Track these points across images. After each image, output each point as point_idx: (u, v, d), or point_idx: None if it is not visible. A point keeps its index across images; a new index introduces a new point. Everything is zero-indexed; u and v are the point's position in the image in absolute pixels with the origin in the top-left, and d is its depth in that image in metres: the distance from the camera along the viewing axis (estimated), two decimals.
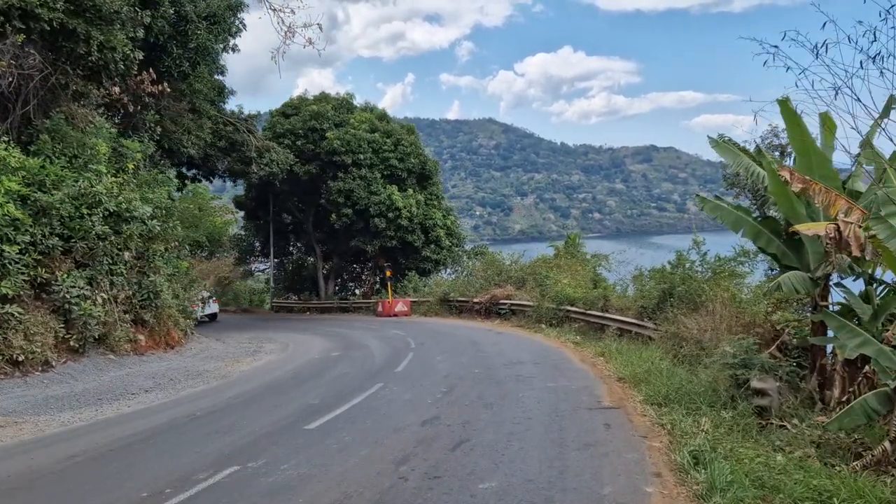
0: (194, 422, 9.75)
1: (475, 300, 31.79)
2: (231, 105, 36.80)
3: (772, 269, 23.74)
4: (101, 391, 12.80)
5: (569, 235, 46.99)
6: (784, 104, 11.36)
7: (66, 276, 14.77)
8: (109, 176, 16.78)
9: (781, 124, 12.94)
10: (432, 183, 43.24)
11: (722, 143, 13.50)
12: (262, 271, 54.31)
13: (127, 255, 16.46)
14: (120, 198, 16.27)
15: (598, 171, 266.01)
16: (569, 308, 24.80)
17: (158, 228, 17.55)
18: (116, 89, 20.66)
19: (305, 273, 48.61)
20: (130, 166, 18.97)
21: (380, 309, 36.90)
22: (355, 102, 44.33)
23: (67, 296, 14.59)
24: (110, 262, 15.92)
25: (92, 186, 15.64)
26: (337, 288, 46.48)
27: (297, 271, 50.03)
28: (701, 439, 8.17)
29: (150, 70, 21.42)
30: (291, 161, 37.11)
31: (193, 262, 63.76)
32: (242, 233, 55.32)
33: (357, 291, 46.35)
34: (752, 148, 14.05)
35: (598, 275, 30.42)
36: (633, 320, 19.89)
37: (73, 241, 15.15)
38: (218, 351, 21.00)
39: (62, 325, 14.63)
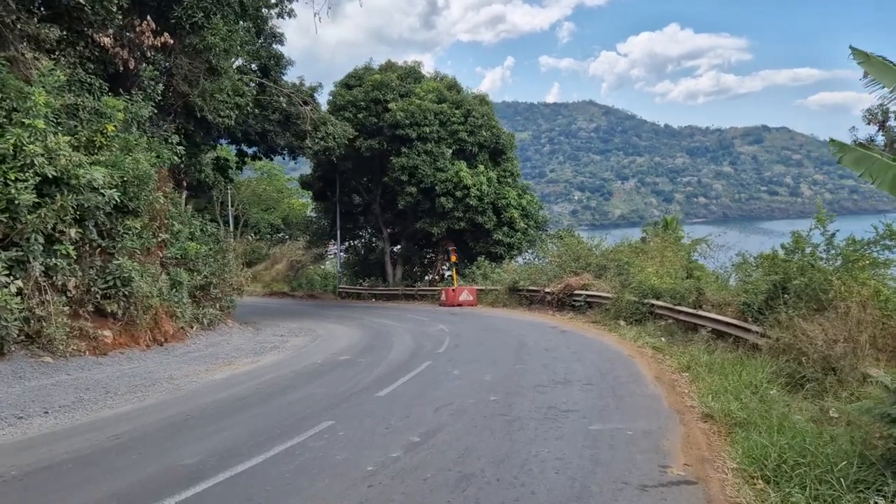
0: None
1: (546, 290, 27.42)
2: (291, 77, 33.89)
3: None
4: None
5: (665, 218, 41.86)
6: None
7: None
8: (60, 135, 13.54)
9: None
10: (507, 159, 38.85)
11: (875, 58, 8.68)
12: (334, 255, 51.53)
13: (73, 231, 13.20)
14: (63, 160, 12.95)
15: (703, 153, 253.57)
16: (653, 302, 20.17)
17: (118, 199, 14.15)
18: (106, 40, 17.64)
19: (373, 258, 45.35)
20: (110, 128, 15.78)
21: (443, 298, 33.06)
22: (423, 71, 40.45)
23: None
24: (44, 241, 12.66)
25: (25, 145, 12.40)
26: (405, 274, 42.89)
27: (366, 256, 46.88)
28: None
29: (149, 19, 18.27)
30: (350, 134, 33.44)
31: (268, 245, 62.47)
32: (313, 215, 52.84)
33: (427, 278, 42.65)
34: None
35: (694, 261, 25.44)
36: (733, 321, 15.14)
37: None
38: (226, 348, 17.73)
39: None
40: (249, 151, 36.30)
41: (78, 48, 17.22)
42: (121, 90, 17.80)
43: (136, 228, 15.34)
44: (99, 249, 14.39)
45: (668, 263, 24.16)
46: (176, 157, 18.85)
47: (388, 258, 42.56)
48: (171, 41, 18.86)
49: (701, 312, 16.93)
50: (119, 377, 12.45)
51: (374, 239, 47.12)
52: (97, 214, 13.99)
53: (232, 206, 61.52)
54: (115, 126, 15.99)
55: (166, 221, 17.58)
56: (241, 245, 36.93)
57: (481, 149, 37.18)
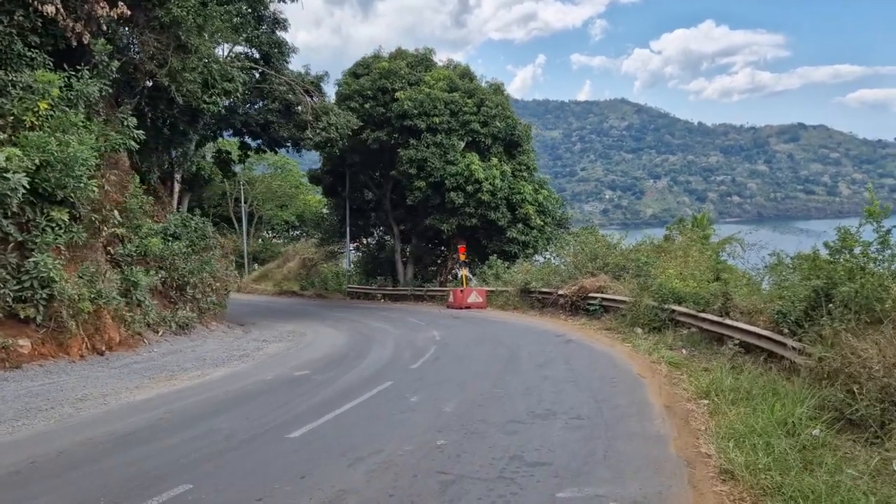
0: None
1: (560, 292, 24.99)
2: (297, 66, 31.98)
3: None
4: None
5: (695, 216, 39.13)
6: None
7: None
8: None
9: None
10: (522, 151, 36.35)
11: None
12: (344, 252, 49.50)
13: None
14: None
15: (738, 151, 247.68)
16: (674, 308, 17.71)
17: (26, 185, 12.03)
18: (50, 9, 15.65)
19: (383, 256, 43.19)
20: (42, 105, 13.79)
21: (451, 299, 30.74)
22: (435, 59, 38.13)
23: None
24: None
25: None
26: (417, 273, 40.59)
27: (377, 254, 44.74)
28: None
29: None
30: (353, 125, 31.28)
31: (283, 242, 60.76)
32: (325, 211, 50.97)
33: (439, 278, 40.34)
34: None
35: (722, 262, 22.79)
36: (766, 333, 12.65)
37: None
38: (184, 357, 15.65)
39: None
40: (253, 144, 34.58)
41: (16, 17, 15.27)
42: (66, 66, 15.79)
43: (64, 221, 13.27)
44: (14, 244, 12.36)
45: (694, 264, 21.58)
46: (133, 143, 16.80)
47: (399, 257, 40.40)
48: (129, 13, 16.83)
49: (728, 321, 14.45)
50: (17, 398, 10.37)
51: (385, 236, 45.01)
52: (8, 203, 11.95)
53: (246, 202, 59.99)
54: (48, 104, 13.97)
55: (111, 213, 15.52)
56: (229, 242, 34.95)
57: (495, 140, 34.77)
